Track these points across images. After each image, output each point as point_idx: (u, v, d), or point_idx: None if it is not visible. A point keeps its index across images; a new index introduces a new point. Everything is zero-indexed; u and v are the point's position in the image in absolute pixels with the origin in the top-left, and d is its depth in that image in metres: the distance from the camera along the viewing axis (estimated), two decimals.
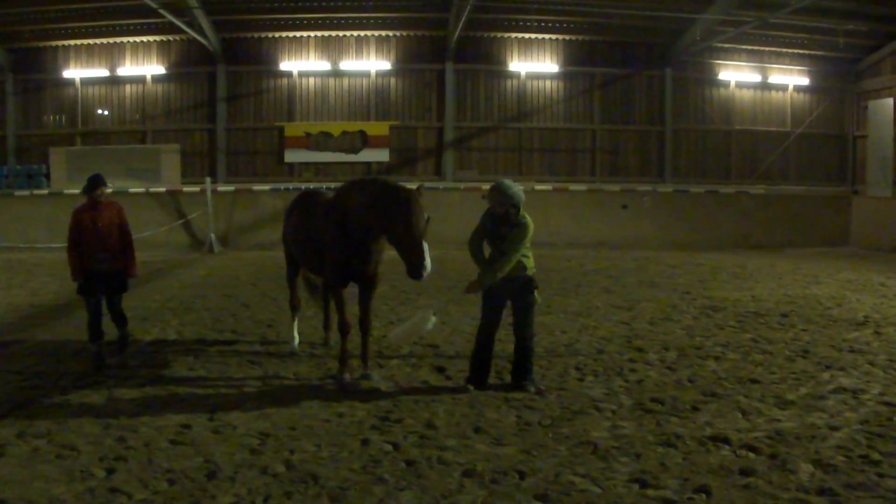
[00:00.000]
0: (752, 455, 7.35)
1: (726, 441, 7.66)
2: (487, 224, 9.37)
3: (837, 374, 10.19)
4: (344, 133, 26.69)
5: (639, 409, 8.68)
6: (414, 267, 8.73)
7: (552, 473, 6.84)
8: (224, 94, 26.50)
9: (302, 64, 26.66)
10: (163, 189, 25.87)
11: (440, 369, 10.23)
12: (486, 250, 9.48)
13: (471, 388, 9.30)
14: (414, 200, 8.81)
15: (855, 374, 10.24)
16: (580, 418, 8.30)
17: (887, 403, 8.99)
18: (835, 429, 8.09)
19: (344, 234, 9.61)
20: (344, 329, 9.86)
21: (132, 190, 25.42)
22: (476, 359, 9.53)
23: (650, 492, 6.50)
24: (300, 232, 10.72)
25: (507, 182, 9.32)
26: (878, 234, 27.32)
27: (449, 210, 25.43)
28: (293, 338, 11.59)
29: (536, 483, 6.64)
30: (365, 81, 26.99)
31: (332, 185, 25.38)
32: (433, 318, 9.44)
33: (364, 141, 26.73)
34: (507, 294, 9.45)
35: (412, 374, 9.95)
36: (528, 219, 9.28)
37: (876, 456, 7.34)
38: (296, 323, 11.77)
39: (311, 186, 25.94)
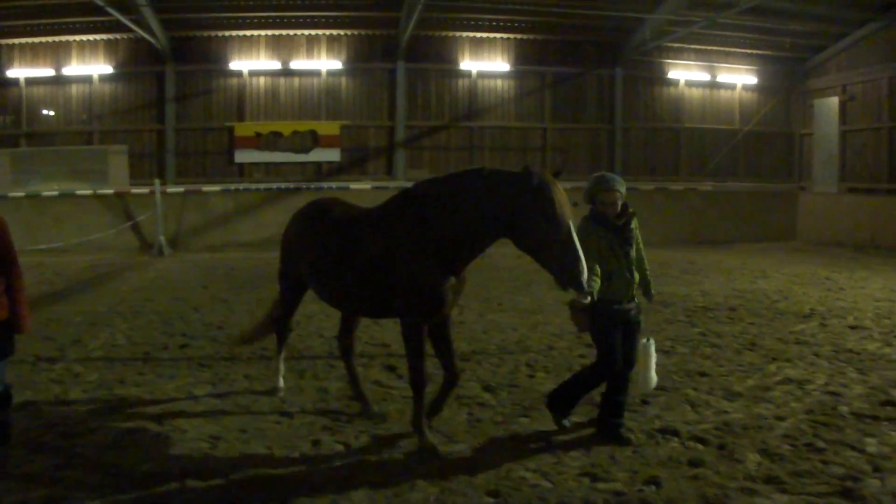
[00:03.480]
0: (700, 446, 7.47)
1: (675, 433, 7.79)
2: (596, 235, 7.50)
3: (784, 366, 10.37)
4: (295, 133, 26.50)
5: (588, 403, 8.72)
6: (571, 275, 6.66)
7: (503, 469, 6.91)
8: (173, 94, 26.13)
9: (252, 63, 26.34)
10: (110, 191, 25.49)
11: (391, 368, 10.24)
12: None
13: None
14: (554, 185, 6.78)
15: (801, 365, 10.42)
16: (531, 414, 8.34)
17: (832, 393, 9.20)
18: (781, 419, 8.27)
19: (432, 253, 7.25)
20: (423, 382, 7.52)
21: (79, 192, 25.08)
22: (573, 399, 8.06)
23: (601, 485, 6.58)
24: (333, 261, 8.04)
25: (601, 173, 7.92)
26: (823, 230, 27.67)
27: None
28: (278, 379, 9.37)
29: (488, 479, 6.69)
30: (316, 81, 26.81)
31: (284, 185, 25.38)
32: (651, 341, 8.01)
33: (315, 140, 26.54)
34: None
35: (363, 373, 9.88)
36: None
37: (821, 444, 7.54)
38: (282, 362, 9.58)
39: (276, 187, 25.83)
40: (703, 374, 9.95)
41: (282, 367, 9.47)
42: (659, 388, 8.53)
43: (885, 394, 9.19)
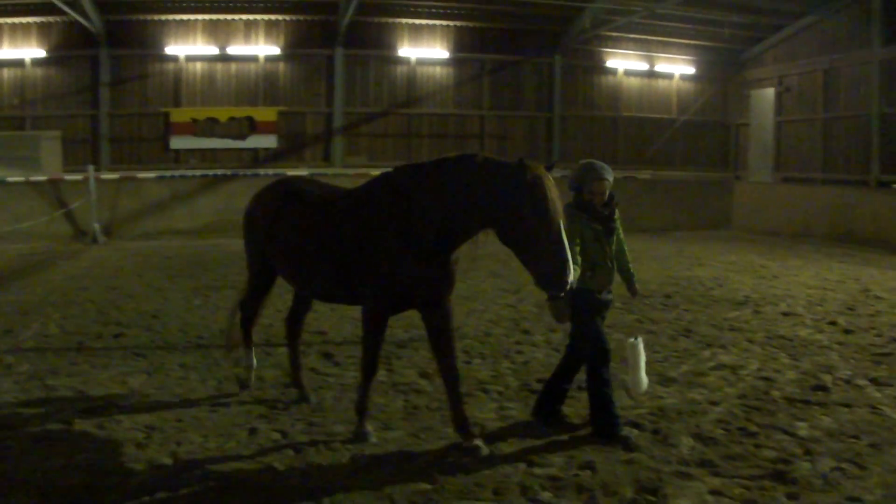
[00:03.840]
0: (635, 431, 7.55)
1: None
2: (581, 223, 7.27)
3: (718, 352, 10.51)
4: (231, 119, 26.18)
5: (525, 389, 8.80)
6: (553, 275, 6.38)
7: (440, 456, 6.88)
8: (107, 79, 25.62)
9: (189, 48, 25.89)
10: (43, 178, 24.96)
11: (327, 356, 10.22)
12: None
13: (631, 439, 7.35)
14: (546, 181, 6.47)
15: (734, 351, 10.57)
16: (467, 400, 8.31)
17: (764, 378, 9.37)
18: (714, 404, 8.40)
19: (411, 242, 6.94)
20: (373, 369, 7.44)
21: (10, 179, 24.54)
22: (562, 394, 7.93)
23: (537, 470, 6.62)
24: (307, 244, 7.73)
25: (590, 160, 7.69)
26: (758, 218, 28.00)
27: None
28: (249, 377, 8.88)
29: (424, 466, 6.69)
30: (253, 66, 26.47)
31: (221, 172, 25.11)
32: (638, 341, 7.69)
33: (252, 127, 26.24)
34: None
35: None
36: None
37: (753, 428, 7.69)
38: (254, 358, 9.00)
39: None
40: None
41: (254, 360, 8.94)
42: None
43: (816, 378, 9.36)
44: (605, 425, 7.42)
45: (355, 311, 12.00)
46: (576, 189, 7.50)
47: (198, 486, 6.23)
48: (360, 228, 7.20)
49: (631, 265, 7.89)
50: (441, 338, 7.30)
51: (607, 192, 7.48)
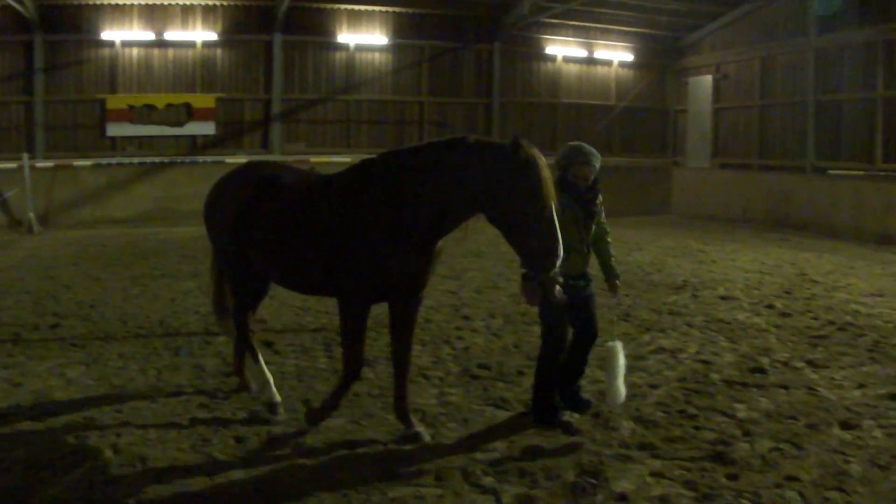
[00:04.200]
0: (576, 416, 7.55)
1: None
2: (562, 205, 6.80)
3: (657, 336, 10.61)
4: (169, 106, 25.83)
5: (466, 375, 8.82)
6: (544, 254, 6.24)
7: (382, 442, 6.89)
8: (42, 65, 25.08)
9: (125, 34, 25.42)
10: None
11: (267, 344, 10.08)
12: None
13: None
14: (540, 160, 6.28)
15: (674, 335, 10.68)
16: (409, 387, 8.32)
17: (703, 361, 9.48)
18: (654, 387, 8.49)
19: (401, 230, 6.61)
20: (359, 368, 7.13)
21: None
22: (551, 388, 7.60)
23: (479, 455, 6.63)
24: (282, 232, 7.29)
25: (578, 143, 7.65)
26: (696, 203, 28.30)
27: None
28: (270, 387, 7.79)
29: (368, 453, 6.67)
30: (191, 52, 26.11)
31: (158, 159, 24.78)
32: (617, 345, 7.46)
33: (189, 113, 25.93)
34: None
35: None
36: None
37: (693, 410, 7.78)
38: (264, 366, 8.03)
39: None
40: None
41: (266, 373, 7.91)
42: (535, 359, 8.31)
43: (754, 361, 9.48)
44: (545, 413, 7.43)
45: (295, 299, 12.05)
46: (561, 169, 7.46)
47: (139, 477, 6.15)
48: (348, 217, 6.83)
49: (613, 258, 7.88)
50: (406, 327, 7.17)
51: (591, 178, 7.46)
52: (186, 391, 8.30)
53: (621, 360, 7.35)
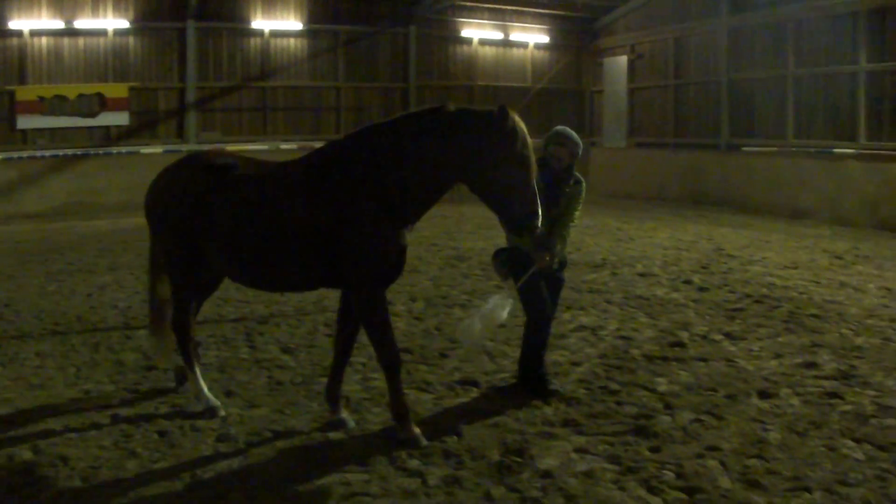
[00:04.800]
0: (499, 395, 7.60)
1: (475, 384, 7.96)
2: (541, 184, 6.82)
3: (578, 314, 10.71)
4: (81, 96, 25.27)
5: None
6: (526, 217, 6.28)
7: (306, 430, 6.85)
8: None
9: (33, 22, 24.66)
10: None
11: None
12: None
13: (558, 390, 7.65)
14: (521, 125, 6.32)
15: (594, 312, 10.79)
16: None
17: (623, 338, 9.63)
18: (576, 364, 8.60)
19: (391, 208, 6.49)
20: (397, 353, 6.78)
21: None
22: (539, 360, 7.84)
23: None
24: (260, 231, 6.75)
25: (563, 127, 7.89)
26: (614, 183, 28.54)
27: None
28: (206, 397, 7.34)
29: (291, 441, 6.63)
30: (102, 41, 25.54)
31: (72, 151, 24.29)
32: (511, 302, 7.24)
33: (102, 104, 25.39)
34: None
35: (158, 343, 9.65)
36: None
37: (614, 386, 7.91)
38: (200, 374, 7.50)
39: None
40: (500, 325, 10.11)
41: (201, 382, 7.46)
42: (457, 340, 8.56)
43: (673, 335, 9.63)
44: (537, 383, 7.66)
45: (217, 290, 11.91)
46: (542, 149, 7.61)
47: (61, 478, 6.03)
48: (338, 204, 6.52)
49: (563, 240, 7.89)
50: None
51: (566, 160, 7.67)
52: (107, 387, 8.14)
53: (502, 314, 7.14)
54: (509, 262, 7.66)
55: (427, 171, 6.47)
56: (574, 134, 7.78)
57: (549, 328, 7.90)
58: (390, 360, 6.64)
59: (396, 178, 6.45)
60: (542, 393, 7.56)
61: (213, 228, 6.94)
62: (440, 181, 6.58)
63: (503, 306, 7.09)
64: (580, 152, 7.79)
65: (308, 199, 6.61)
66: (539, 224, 6.36)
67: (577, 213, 7.89)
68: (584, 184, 7.89)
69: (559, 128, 7.86)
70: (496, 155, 6.22)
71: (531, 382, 7.72)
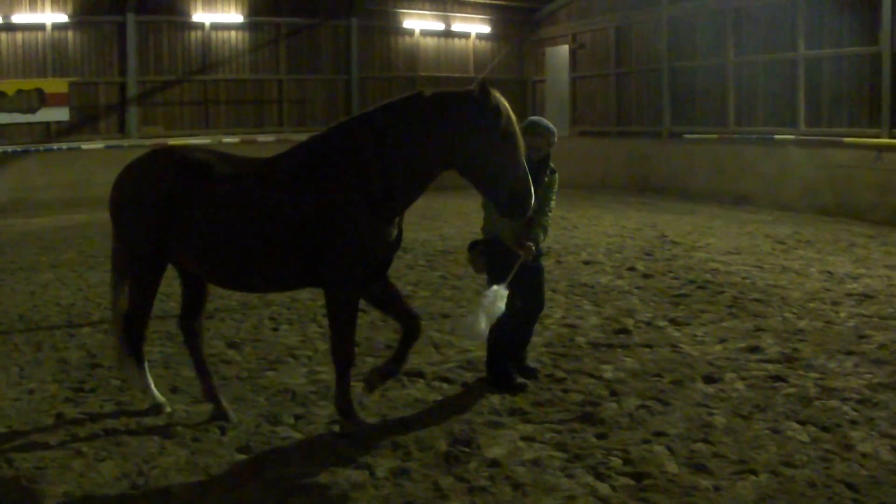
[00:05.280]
0: (445, 385, 7.69)
1: (421, 375, 7.98)
2: None
3: None
4: (19, 92, 24.87)
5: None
6: (520, 199, 6.18)
7: (253, 425, 6.83)
8: None
9: None
10: None
11: None
12: None
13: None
14: (503, 101, 6.20)
15: None
16: (277, 367, 8.29)
17: (569, 325, 9.69)
18: None
19: (377, 202, 6.30)
20: (353, 355, 6.68)
21: None
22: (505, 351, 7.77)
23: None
24: (234, 226, 6.48)
25: (537, 117, 7.84)
26: (557, 171, 28.54)
27: None
28: (153, 394, 7.21)
29: (238, 436, 6.61)
30: (40, 35, 25.13)
31: (11, 148, 23.91)
32: (504, 294, 7.05)
33: (42, 99, 25.03)
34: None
35: (105, 340, 9.51)
36: None
37: (560, 374, 7.96)
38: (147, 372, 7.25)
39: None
40: (445, 316, 10.15)
41: (149, 378, 7.23)
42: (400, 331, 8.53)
43: (618, 323, 9.70)
44: (502, 378, 7.62)
45: (162, 287, 11.78)
46: None
47: (6, 479, 5.94)
48: (317, 197, 6.33)
49: (544, 230, 7.75)
50: (388, 292, 6.84)
51: (543, 150, 7.56)
52: (51, 386, 8.01)
53: (500, 305, 7.02)
54: (487, 254, 7.62)
55: (411, 160, 6.32)
56: (549, 123, 7.69)
57: (512, 321, 7.49)
58: (346, 358, 6.55)
59: (380, 169, 6.28)
60: (508, 386, 7.55)
61: (188, 227, 6.57)
62: (425, 169, 6.43)
63: (501, 298, 7.00)
64: (555, 141, 7.70)
65: (292, 196, 6.39)
66: (532, 203, 6.29)
67: (552, 203, 7.83)
68: (557, 174, 7.85)
69: (534, 118, 7.76)
70: (482, 134, 6.11)
71: (497, 377, 7.67)
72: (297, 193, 6.38)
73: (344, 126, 6.67)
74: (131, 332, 7.03)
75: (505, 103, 6.19)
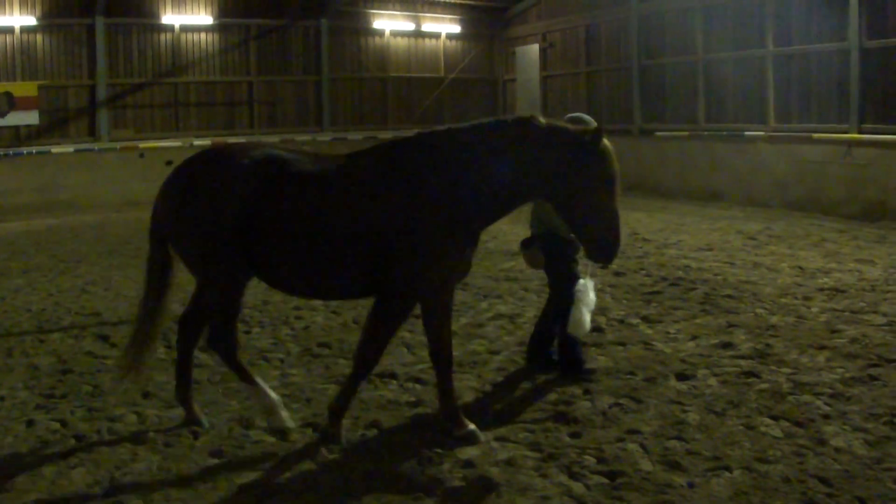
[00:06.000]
0: (418, 387, 7.68)
1: (393, 376, 7.98)
2: None
3: (495, 303, 10.77)
4: None
5: (307, 355, 8.78)
6: (609, 247, 6.27)
7: (226, 429, 6.81)
8: None
9: None
10: None
11: (104, 338, 9.80)
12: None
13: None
14: (611, 149, 6.23)
15: (511, 300, 10.86)
16: (249, 370, 8.22)
17: None
18: (495, 353, 8.65)
19: (461, 217, 6.17)
20: (374, 366, 6.67)
21: None
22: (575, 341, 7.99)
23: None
24: (315, 229, 6.20)
25: (579, 113, 7.89)
26: None
27: (106, 172, 24.52)
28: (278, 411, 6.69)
29: (211, 441, 6.58)
30: (9, 38, 24.88)
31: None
32: (591, 284, 7.66)
33: (11, 103, 24.80)
34: None
35: (76, 345, 9.47)
36: None
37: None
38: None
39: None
40: (417, 317, 10.09)
41: (269, 392, 6.79)
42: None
43: (592, 321, 9.66)
44: (574, 364, 7.87)
45: (130, 290, 11.75)
46: None
47: None
48: (403, 210, 6.14)
49: None
50: (448, 317, 6.73)
51: None
52: (21, 393, 7.94)
53: (592, 296, 7.56)
54: (545, 249, 7.83)
55: (509, 184, 6.19)
56: (589, 118, 7.69)
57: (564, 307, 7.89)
58: (371, 363, 6.50)
59: (473, 188, 6.16)
60: (546, 366, 8.03)
61: (266, 228, 6.27)
62: (519, 195, 6.34)
63: (591, 289, 7.58)
64: None
65: (377, 205, 6.20)
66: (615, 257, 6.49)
67: None
68: None
69: (577, 114, 7.77)
70: (586, 176, 6.08)
71: (538, 358, 8.05)
72: (383, 204, 6.19)
73: (434, 139, 6.46)
74: (230, 355, 6.65)
75: (612, 150, 6.20)
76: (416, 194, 6.14)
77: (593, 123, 7.42)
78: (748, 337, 8.99)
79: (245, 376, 6.70)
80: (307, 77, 28.66)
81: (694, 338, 9.03)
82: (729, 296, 10.82)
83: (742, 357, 8.31)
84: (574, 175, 6.06)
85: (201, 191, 6.36)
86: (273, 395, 6.73)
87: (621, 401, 7.15)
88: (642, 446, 6.21)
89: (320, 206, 6.22)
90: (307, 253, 6.26)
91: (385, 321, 6.40)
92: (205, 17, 26.78)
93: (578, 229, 6.33)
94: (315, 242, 6.21)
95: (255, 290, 11.95)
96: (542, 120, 6.22)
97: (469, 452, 6.15)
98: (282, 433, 6.60)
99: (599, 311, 10.11)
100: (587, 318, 7.46)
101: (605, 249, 6.27)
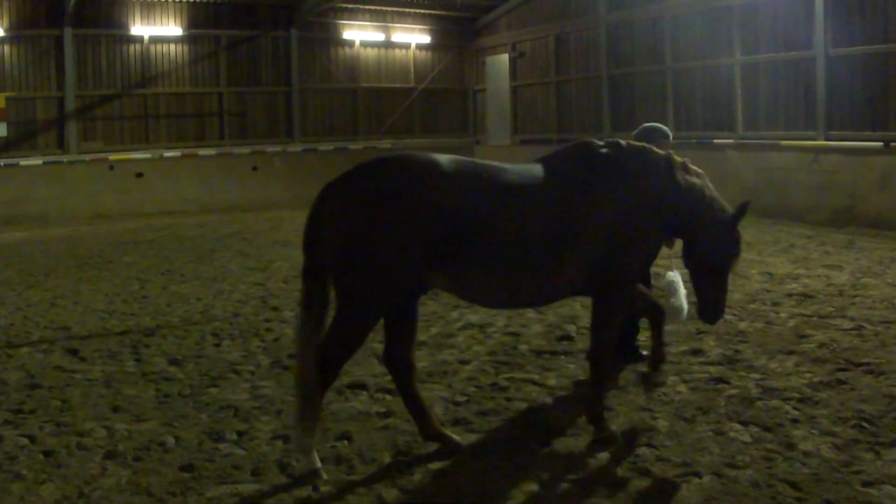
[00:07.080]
0: (388, 397, 7.64)
1: (363, 387, 7.96)
2: None
3: (465, 312, 10.73)
4: None
5: (277, 367, 8.74)
6: (714, 313, 6.80)
7: (196, 442, 6.75)
8: None
9: None
10: None
11: (73, 352, 9.71)
12: None
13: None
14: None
15: (481, 310, 10.72)
16: (220, 383, 8.22)
17: (511, 334, 9.72)
18: (465, 362, 8.64)
19: (663, 224, 6.52)
20: (611, 356, 6.75)
21: None
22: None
23: (293, 446, 6.53)
24: (520, 235, 5.95)
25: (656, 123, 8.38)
26: None
27: (75, 185, 24.51)
28: (313, 458, 6.03)
29: (181, 454, 6.53)
30: None
31: None
32: (678, 276, 7.75)
33: None
34: None
35: (44, 360, 9.39)
36: None
37: (504, 382, 8.00)
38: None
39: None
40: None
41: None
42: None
43: (561, 329, 9.76)
44: (631, 353, 8.39)
45: (100, 304, 11.70)
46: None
47: None
48: (620, 210, 6.23)
49: None
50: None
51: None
52: None
53: (681, 287, 7.71)
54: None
55: (677, 221, 6.61)
56: (659, 125, 8.30)
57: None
58: (609, 360, 6.69)
59: (673, 197, 6.51)
60: (631, 358, 8.39)
61: (467, 244, 5.87)
62: (671, 231, 6.77)
63: (680, 281, 7.72)
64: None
65: (603, 204, 6.22)
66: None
67: None
68: None
69: (654, 125, 8.33)
70: (718, 248, 6.62)
71: (623, 350, 8.12)
72: (610, 205, 6.25)
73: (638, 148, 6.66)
74: (328, 374, 6.05)
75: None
76: (638, 196, 6.34)
77: (667, 132, 8.21)
78: (717, 343, 9.03)
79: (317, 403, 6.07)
80: (277, 88, 28.69)
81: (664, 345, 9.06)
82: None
83: (711, 363, 8.35)
84: (714, 244, 6.59)
85: (401, 206, 5.80)
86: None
87: None
88: (612, 454, 6.22)
89: (541, 213, 6.05)
90: (525, 261, 6.05)
91: (614, 314, 6.61)
92: (174, 29, 26.74)
93: (699, 293, 6.79)
94: (537, 249, 6.04)
95: (227, 302, 11.95)
96: (708, 194, 6.74)
97: (440, 463, 6.14)
98: (312, 474, 6.00)
99: (569, 319, 10.20)
100: (685, 306, 7.71)
101: (716, 313, 6.80)
